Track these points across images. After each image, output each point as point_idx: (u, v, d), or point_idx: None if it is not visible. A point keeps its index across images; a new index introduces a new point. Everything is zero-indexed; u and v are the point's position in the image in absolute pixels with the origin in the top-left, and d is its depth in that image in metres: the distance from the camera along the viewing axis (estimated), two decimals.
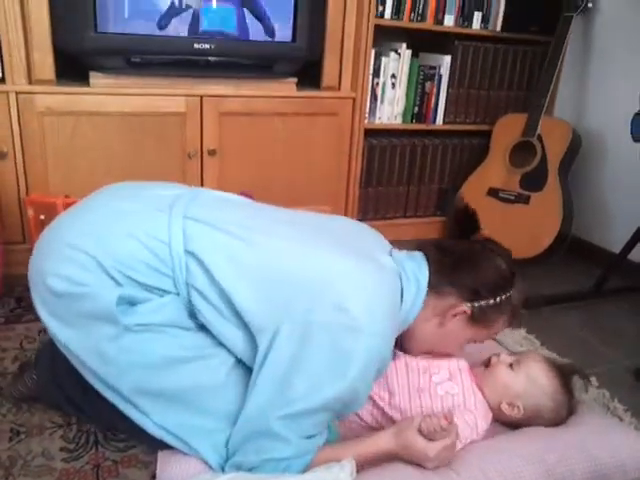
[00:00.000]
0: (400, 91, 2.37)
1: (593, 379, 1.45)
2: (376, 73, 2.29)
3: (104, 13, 1.78)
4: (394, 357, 1.21)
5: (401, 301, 1.08)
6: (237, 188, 2.11)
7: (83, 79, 1.88)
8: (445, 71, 2.39)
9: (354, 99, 2.23)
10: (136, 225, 1.03)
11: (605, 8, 2.36)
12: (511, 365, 1.21)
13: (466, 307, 1.11)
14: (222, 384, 1.04)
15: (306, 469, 0.99)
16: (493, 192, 2.39)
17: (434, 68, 2.38)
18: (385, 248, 1.17)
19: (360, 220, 1.24)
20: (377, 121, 2.37)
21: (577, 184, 2.42)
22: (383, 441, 1.05)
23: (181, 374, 1.02)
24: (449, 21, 2.33)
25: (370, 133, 2.36)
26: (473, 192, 2.44)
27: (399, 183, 2.50)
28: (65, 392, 1.18)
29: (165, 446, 1.04)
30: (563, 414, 1.20)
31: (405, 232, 2.44)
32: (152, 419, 1.03)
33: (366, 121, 2.31)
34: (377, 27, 2.18)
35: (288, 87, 2.12)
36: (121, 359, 1.01)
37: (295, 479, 0.96)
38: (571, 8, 2.29)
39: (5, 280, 1.75)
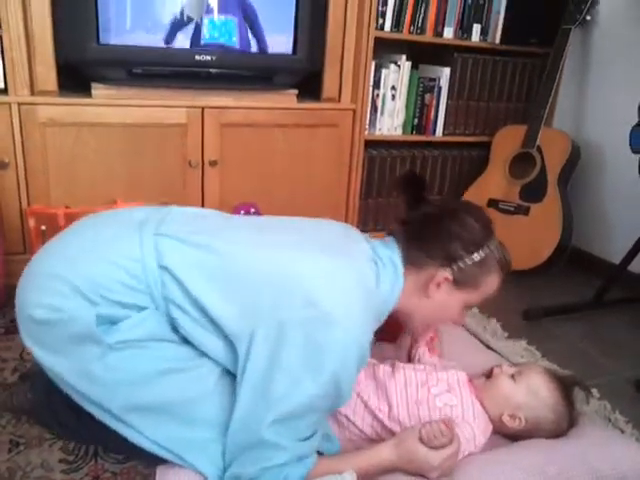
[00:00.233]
0: (400, 103, 2.38)
1: (594, 391, 1.45)
2: (376, 85, 2.30)
3: (106, 25, 1.80)
4: (393, 370, 1.21)
5: (379, 287, 1.07)
6: (238, 199, 2.12)
7: (85, 90, 1.89)
8: (445, 83, 2.40)
9: (354, 110, 2.24)
10: (109, 248, 1.06)
11: (603, 21, 2.38)
12: (513, 376, 1.21)
13: (447, 273, 1.09)
14: (211, 393, 1.04)
15: (308, 478, 0.98)
16: (493, 203, 2.39)
17: (434, 80, 2.39)
18: (358, 239, 1.16)
19: (361, 231, 1.24)
20: (377, 132, 2.38)
21: (577, 195, 2.43)
22: (384, 452, 1.05)
23: (167, 387, 1.03)
24: (448, 33, 2.34)
25: (370, 144, 2.37)
26: None
27: (399, 194, 2.50)
28: (59, 418, 1.19)
29: (163, 462, 1.05)
30: (564, 426, 1.20)
31: None
32: (145, 435, 1.04)
33: (366, 132, 2.32)
34: (377, 39, 2.19)
35: (289, 99, 2.13)
36: (107, 378, 1.02)
37: None
38: (570, 21, 2.31)
39: (6, 290, 1.75)
